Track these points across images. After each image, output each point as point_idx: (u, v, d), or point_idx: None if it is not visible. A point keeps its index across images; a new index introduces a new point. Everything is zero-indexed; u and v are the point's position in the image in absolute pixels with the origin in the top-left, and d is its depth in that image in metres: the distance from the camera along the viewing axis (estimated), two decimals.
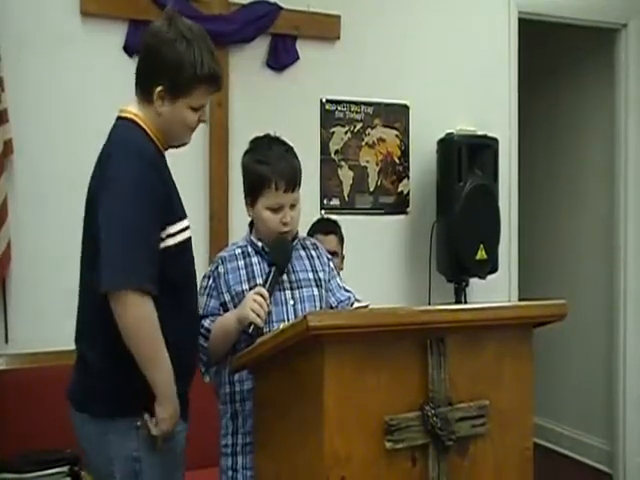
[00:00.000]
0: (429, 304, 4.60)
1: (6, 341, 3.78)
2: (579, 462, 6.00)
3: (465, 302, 4.65)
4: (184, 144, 2.56)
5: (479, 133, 4.80)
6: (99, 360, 2.39)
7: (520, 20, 5.16)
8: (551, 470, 5.51)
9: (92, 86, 3.99)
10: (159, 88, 2.36)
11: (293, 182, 2.63)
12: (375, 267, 4.66)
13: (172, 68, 2.34)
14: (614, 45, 5.62)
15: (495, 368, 2.30)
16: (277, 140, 2.74)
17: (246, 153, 2.73)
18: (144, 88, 2.42)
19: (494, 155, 4.75)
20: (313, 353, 2.02)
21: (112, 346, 2.30)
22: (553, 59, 6.36)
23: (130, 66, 3.97)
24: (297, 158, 2.72)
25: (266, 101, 4.40)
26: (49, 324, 3.81)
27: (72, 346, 3.67)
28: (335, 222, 4.09)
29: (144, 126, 2.41)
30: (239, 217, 4.20)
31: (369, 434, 2.05)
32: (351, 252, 4.08)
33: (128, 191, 2.26)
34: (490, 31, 5.10)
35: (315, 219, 4.11)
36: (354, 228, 4.28)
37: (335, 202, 4.58)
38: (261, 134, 2.77)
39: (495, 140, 4.77)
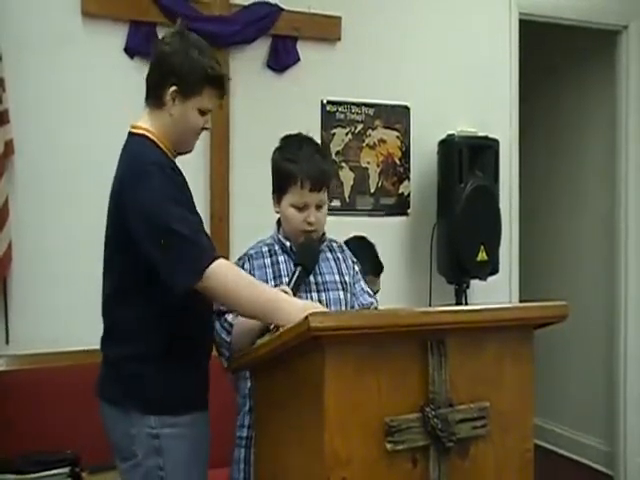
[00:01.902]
0: (430, 305, 4.60)
1: (7, 342, 3.78)
2: (580, 463, 6.00)
3: (466, 303, 4.65)
4: (189, 151, 2.68)
5: (480, 134, 4.80)
6: (131, 359, 2.49)
7: (521, 21, 5.17)
8: (552, 471, 5.52)
9: (93, 87, 4.00)
10: (172, 88, 2.49)
11: (320, 182, 2.64)
12: None
13: (185, 69, 2.48)
14: (615, 47, 5.63)
15: (496, 369, 2.29)
16: (308, 140, 2.76)
17: (276, 150, 2.76)
18: (156, 93, 2.55)
19: (495, 156, 4.76)
20: (314, 354, 2.02)
21: (145, 346, 2.48)
22: (554, 60, 6.37)
23: (131, 67, 4.04)
24: (328, 160, 2.77)
25: (267, 102, 4.40)
26: (50, 325, 3.82)
27: (73, 347, 3.72)
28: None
29: (155, 140, 2.53)
30: (240, 217, 4.24)
31: (369, 435, 2.05)
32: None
33: (164, 206, 2.36)
34: (491, 32, 5.10)
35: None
36: (355, 229, 4.26)
37: (336, 203, 4.58)
38: (293, 132, 2.80)
39: (496, 141, 4.77)
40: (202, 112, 2.55)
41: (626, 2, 5.53)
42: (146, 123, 2.56)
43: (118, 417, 2.51)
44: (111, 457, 2.63)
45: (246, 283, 2.37)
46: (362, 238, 3.98)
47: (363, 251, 3.75)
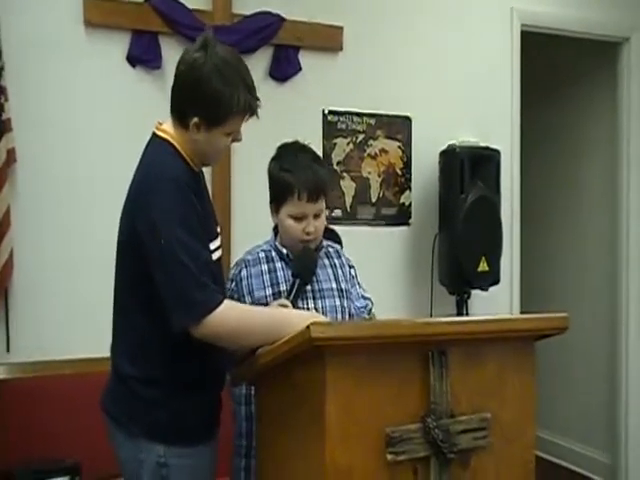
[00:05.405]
0: (431, 316, 4.59)
1: (7, 350, 3.77)
2: (581, 475, 5.97)
3: (467, 314, 4.65)
4: (216, 163, 2.65)
5: (481, 145, 4.80)
6: (141, 381, 2.43)
7: (523, 32, 5.18)
8: None
9: (95, 95, 4.00)
10: (195, 119, 2.35)
11: (317, 192, 2.60)
12: (377, 279, 4.62)
13: (209, 104, 2.34)
14: (617, 58, 5.65)
15: (497, 380, 2.29)
16: (305, 148, 2.73)
17: (273, 160, 2.72)
18: (179, 116, 2.40)
19: (496, 167, 4.76)
20: (315, 364, 2.01)
21: (155, 370, 2.41)
22: (556, 71, 6.37)
23: (133, 76, 4.06)
24: (325, 168, 2.73)
25: (268, 112, 4.35)
26: (51, 334, 3.82)
27: (73, 355, 3.71)
28: (333, 231, 4.05)
29: (179, 148, 2.42)
30: (242, 226, 4.23)
31: (370, 446, 2.04)
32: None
33: (174, 231, 2.26)
34: (493, 43, 5.11)
35: None
36: (356, 239, 4.26)
37: (337, 213, 4.58)
38: (289, 140, 2.77)
39: (497, 152, 4.78)
40: (229, 133, 2.43)
41: (628, 14, 5.54)
42: (171, 129, 2.44)
43: (125, 438, 2.46)
44: (113, 466, 2.60)
45: (247, 321, 2.33)
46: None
47: None
